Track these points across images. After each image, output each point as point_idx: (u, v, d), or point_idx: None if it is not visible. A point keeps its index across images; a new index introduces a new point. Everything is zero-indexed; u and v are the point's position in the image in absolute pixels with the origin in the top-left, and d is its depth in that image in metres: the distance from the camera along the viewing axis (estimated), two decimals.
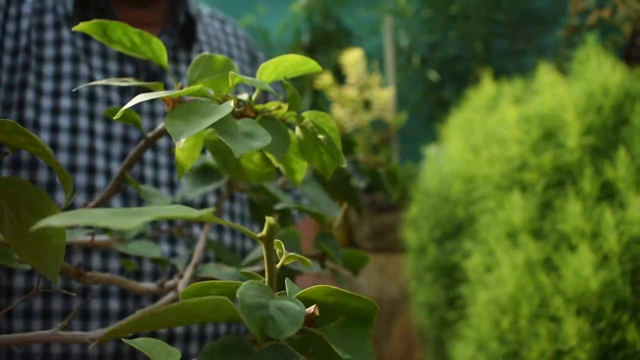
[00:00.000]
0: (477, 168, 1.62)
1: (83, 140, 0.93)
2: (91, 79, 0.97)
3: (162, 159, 0.98)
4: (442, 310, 1.79)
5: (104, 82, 0.52)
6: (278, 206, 0.66)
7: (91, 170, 0.92)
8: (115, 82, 0.52)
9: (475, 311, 1.45)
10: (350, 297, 0.34)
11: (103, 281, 0.58)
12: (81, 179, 0.92)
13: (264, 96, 1.08)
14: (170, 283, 0.60)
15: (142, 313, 0.31)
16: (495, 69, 2.66)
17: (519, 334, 1.27)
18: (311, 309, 0.34)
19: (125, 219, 0.27)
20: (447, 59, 3.44)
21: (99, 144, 0.94)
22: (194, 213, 0.29)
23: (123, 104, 0.97)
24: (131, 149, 0.96)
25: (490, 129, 1.65)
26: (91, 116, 0.95)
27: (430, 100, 3.39)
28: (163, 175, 0.97)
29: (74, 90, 0.76)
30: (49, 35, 0.98)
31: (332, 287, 0.34)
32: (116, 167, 0.94)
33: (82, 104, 0.94)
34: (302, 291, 0.35)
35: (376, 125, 3.10)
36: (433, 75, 3.34)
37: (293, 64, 0.50)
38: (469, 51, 3.33)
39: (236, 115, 0.47)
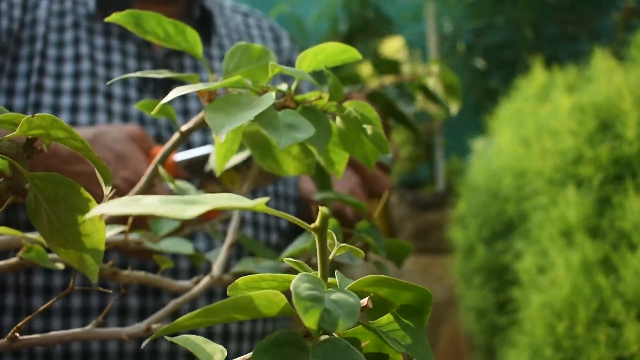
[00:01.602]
0: (529, 162, 1.61)
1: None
2: (109, 77, 1.02)
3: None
4: (492, 315, 1.79)
5: (139, 74, 0.54)
6: (316, 196, 0.67)
7: None
8: (151, 74, 0.53)
9: (528, 316, 1.44)
10: (403, 286, 0.35)
11: (139, 280, 0.59)
12: None
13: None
14: (206, 279, 0.62)
15: (194, 312, 0.32)
16: (546, 55, 2.64)
17: (575, 340, 1.26)
18: (364, 301, 0.35)
19: (182, 208, 0.28)
20: (494, 46, 3.41)
21: None
22: (248, 202, 0.30)
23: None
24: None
25: (542, 120, 1.64)
26: (109, 113, 0.99)
27: (476, 90, 3.36)
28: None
29: (108, 83, 0.80)
30: (68, 35, 1.03)
31: (385, 277, 0.35)
32: None
33: (100, 101, 0.98)
34: (353, 282, 0.36)
35: (419, 118, 3.10)
36: (479, 63, 3.32)
37: (332, 52, 0.51)
38: (517, 37, 3.30)
39: (277, 106, 0.48)
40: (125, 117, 1.00)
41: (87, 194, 0.43)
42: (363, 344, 0.37)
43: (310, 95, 0.51)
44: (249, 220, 1.04)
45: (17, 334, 0.50)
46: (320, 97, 0.50)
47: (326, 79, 0.51)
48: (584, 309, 1.24)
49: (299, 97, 0.50)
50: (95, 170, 0.44)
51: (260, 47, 0.54)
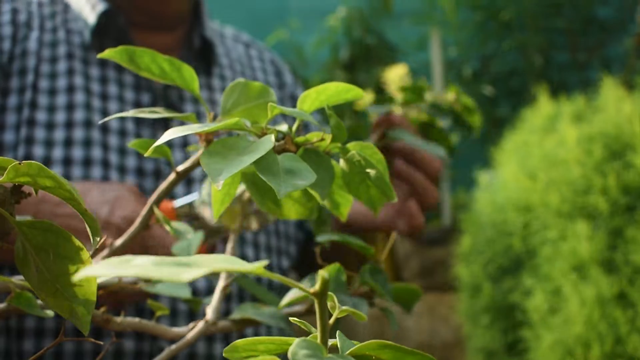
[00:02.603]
0: (535, 194, 1.61)
1: (96, 172, 0.96)
2: (105, 109, 1.01)
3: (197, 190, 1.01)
4: (501, 356, 1.77)
5: (133, 113, 0.54)
6: (320, 239, 0.67)
7: None
8: (147, 115, 0.53)
9: (540, 355, 1.43)
10: (408, 352, 0.35)
11: (133, 327, 0.59)
12: None
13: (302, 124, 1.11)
14: (200, 325, 0.61)
15: None
16: (554, 83, 2.65)
17: None
18: None
19: (176, 271, 0.28)
20: (502, 73, 3.42)
21: (113, 175, 0.97)
22: (246, 266, 0.30)
23: (139, 135, 1.02)
24: (146, 181, 0.99)
25: (548, 150, 1.64)
26: (105, 147, 0.98)
27: (483, 119, 3.36)
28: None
29: (100, 122, 0.79)
30: (62, 66, 1.02)
31: (388, 342, 0.35)
32: None
33: (95, 135, 0.98)
34: (355, 347, 0.35)
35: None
36: (487, 90, 3.32)
37: (336, 91, 0.50)
38: (525, 64, 3.31)
39: (277, 149, 0.48)
40: (122, 151, 0.99)
41: (77, 242, 0.43)
42: None
43: (312, 137, 0.51)
44: (250, 241, 1.03)
45: None
46: (323, 139, 0.50)
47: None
48: (599, 345, 1.23)
49: (300, 139, 0.50)
50: (85, 222, 0.44)
51: (259, 85, 0.54)
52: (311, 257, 1.17)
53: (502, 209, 1.83)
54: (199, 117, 1.05)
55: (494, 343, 1.80)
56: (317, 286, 0.32)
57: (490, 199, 1.93)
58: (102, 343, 0.48)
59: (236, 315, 0.63)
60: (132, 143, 0.60)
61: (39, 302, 0.57)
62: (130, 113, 0.54)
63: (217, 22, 1.26)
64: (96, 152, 0.97)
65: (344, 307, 0.36)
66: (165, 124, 1.03)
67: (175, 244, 0.73)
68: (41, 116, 0.98)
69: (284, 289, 1.06)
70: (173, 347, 0.59)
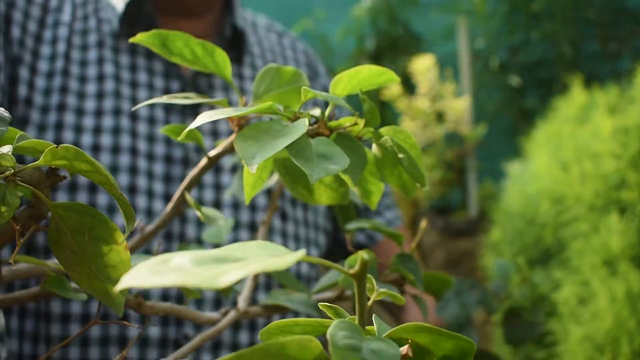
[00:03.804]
0: (568, 187, 1.59)
1: (125, 159, 0.97)
2: (134, 97, 1.03)
3: (225, 179, 1.01)
4: (529, 348, 1.76)
5: (165, 99, 0.54)
6: (350, 226, 0.67)
7: (132, 190, 0.97)
8: (179, 100, 0.54)
9: (568, 349, 1.42)
10: (444, 335, 0.35)
11: (164, 311, 0.59)
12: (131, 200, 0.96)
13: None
14: (232, 313, 0.62)
15: (225, 357, 0.31)
16: (585, 74, 2.61)
17: None
18: (404, 349, 0.35)
19: (214, 275, 0.27)
20: (530, 64, 3.38)
21: (141, 163, 0.98)
22: (288, 259, 0.29)
23: (168, 122, 1.03)
24: (174, 168, 0.99)
25: (581, 142, 1.62)
26: (134, 135, 0.99)
27: (511, 110, 3.33)
28: (226, 196, 1.00)
29: (132, 109, 0.80)
30: (92, 54, 1.04)
31: (425, 324, 0.35)
32: (159, 188, 0.98)
33: (124, 122, 0.99)
34: (392, 330, 0.35)
35: (450, 140, 3.08)
36: (514, 81, 3.29)
37: (369, 75, 0.50)
38: (554, 54, 3.28)
39: (310, 133, 0.48)
40: (151, 139, 1.00)
41: (112, 224, 0.44)
42: None
43: (344, 121, 0.51)
44: (278, 230, 1.04)
45: None
46: (356, 123, 0.50)
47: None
48: (628, 342, 1.22)
49: (333, 123, 0.50)
50: (119, 207, 0.44)
51: (292, 70, 0.54)
52: (340, 247, 1.17)
53: (533, 200, 1.81)
54: (230, 104, 1.05)
55: None
56: (357, 267, 0.32)
57: (520, 190, 1.91)
58: (135, 326, 0.48)
59: (267, 301, 0.64)
60: (163, 129, 0.60)
61: (73, 285, 0.57)
62: (163, 99, 0.54)
63: (250, 11, 1.27)
64: (125, 140, 0.98)
65: (382, 290, 0.36)
66: (194, 112, 1.04)
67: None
68: (71, 101, 0.99)
69: (311, 281, 1.06)
70: (205, 333, 0.59)
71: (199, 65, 0.57)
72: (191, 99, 0.55)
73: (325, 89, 1.22)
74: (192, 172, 0.59)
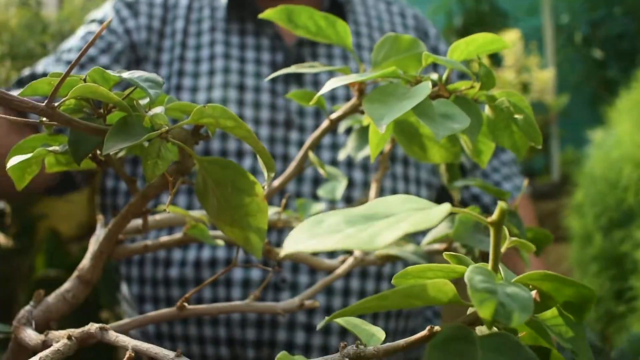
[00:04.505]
0: None
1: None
2: (242, 71, 1.06)
3: (341, 139, 1.01)
4: (608, 303, 1.70)
5: (294, 69, 0.54)
6: (458, 183, 0.65)
7: (240, 154, 1.00)
8: (305, 70, 0.53)
9: None
10: (567, 282, 0.33)
11: (288, 257, 0.60)
12: (247, 163, 0.98)
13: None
14: (350, 260, 0.61)
15: (369, 297, 0.31)
16: None
17: None
18: (533, 294, 0.33)
19: (372, 236, 0.26)
20: (612, 37, 3.23)
21: (248, 126, 1.01)
22: (437, 215, 0.28)
23: (274, 91, 1.04)
24: (277, 130, 1.01)
25: None
26: (240, 104, 1.01)
27: (593, 81, 3.20)
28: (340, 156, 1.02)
29: (267, 79, 0.82)
30: (205, 39, 1.08)
31: (548, 272, 0.33)
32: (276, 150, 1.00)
33: (232, 94, 1.01)
34: (517, 277, 0.34)
35: (535, 109, 2.97)
36: (597, 54, 3.15)
37: (484, 42, 0.48)
38: (636, 28, 3.11)
39: (430, 96, 0.46)
40: (257, 105, 1.03)
41: (252, 177, 0.43)
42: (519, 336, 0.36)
43: (460, 85, 0.49)
44: (389, 190, 1.03)
45: (186, 304, 0.51)
46: (472, 87, 0.48)
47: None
48: None
49: (451, 86, 0.48)
50: (259, 159, 0.44)
51: (410, 37, 0.53)
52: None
53: (615, 164, 1.73)
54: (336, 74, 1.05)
55: (602, 290, 1.72)
56: (495, 215, 0.31)
57: (603, 155, 1.83)
58: (270, 270, 0.48)
59: (380, 251, 0.63)
60: (291, 93, 0.60)
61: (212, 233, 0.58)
62: (292, 69, 0.54)
63: None
64: (232, 109, 1.01)
65: (514, 238, 0.35)
66: (298, 80, 1.05)
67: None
68: (187, 82, 1.03)
69: (417, 234, 1.05)
70: (327, 278, 0.59)
71: (322, 36, 0.56)
72: (316, 67, 0.54)
73: (435, 50, 1.20)
74: (315, 134, 0.58)
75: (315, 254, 0.85)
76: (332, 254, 0.93)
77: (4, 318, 0.62)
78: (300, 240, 0.28)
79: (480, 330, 0.35)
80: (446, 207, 0.27)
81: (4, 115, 0.42)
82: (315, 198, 0.96)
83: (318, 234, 0.28)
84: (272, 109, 1.03)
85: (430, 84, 0.43)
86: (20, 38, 1.77)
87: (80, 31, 1.11)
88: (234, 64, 1.05)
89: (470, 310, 0.38)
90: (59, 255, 1.66)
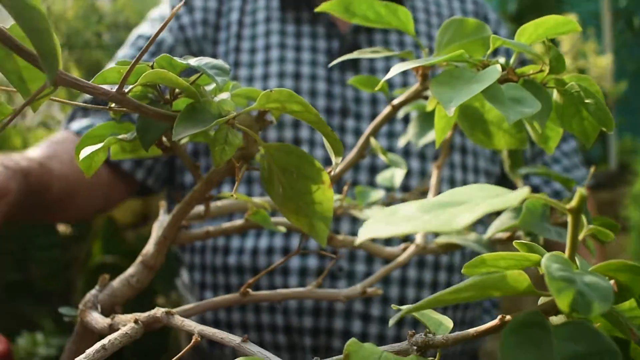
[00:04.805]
0: None
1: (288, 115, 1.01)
2: (298, 59, 1.06)
3: (398, 128, 1.01)
4: None
5: (356, 54, 0.53)
6: (522, 170, 0.64)
7: (296, 141, 1.00)
8: (367, 55, 0.53)
9: None
10: None
11: (351, 244, 0.60)
12: (319, 154, 0.99)
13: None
14: (411, 248, 0.61)
15: (443, 291, 0.30)
16: None
17: None
18: (611, 284, 0.32)
19: (449, 219, 0.26)
20: None
21: None
22: (514, 198, 0.27)
23: (329, 79, 1.04)
24: (333, 119, 1.01)
25: None
26: (296, 92, 1.02)
27: None
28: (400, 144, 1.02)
29: (330, 65, 0.81)
30: (260, 29, 1.09)
31: (626, 262, 0.32)
32: (319, 137, 1.00)
33: (288, 83, 1.01)
34: (594, 266, 0.33)
35: None
36: None
37: (555, 24, 0.47)
38: None
39: (499, 80, 0.45)
40: (313, 94, 1.03)
41: (318, 164, 0.43)
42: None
43: (528, 69, 0.48)
44: (446, 179, 1.02)
45: (249, 289, 0.51)
46: (542, 70, 0.47)
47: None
48: None
49: (519, 70, 0.47)
50: (325, 141, 0.44)
51: (475, 21, 0.52)
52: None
53: None
54: (394, 57, 1.05)
55: None
56: (574, 202, 0.30)
57: None
58: (332, 256, 0.48)
59: (442, 239, 0.62)
60: (353, 79, 0.60)
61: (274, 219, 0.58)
62: (355, 54, 0.54)
63: None
64: None
65: (591, 226, 0.34)
66: (354, 67, 1.04)
67: None
68: (243, 72, 1.03)
69: (477, 226, 1.03)
70: (386, 267, 0.59)
71: (382, 23, 0.55)
72: (379, 52, 0.54)
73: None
74: (376, 120, 0.58)
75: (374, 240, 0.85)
76: (388, 242, 0.92)
77: (63, 303, 0.64)
78: (376, 228, 0.28)
79: (553, 320, 0.34)
80: (525, 190, 0.27)
81: (67, 101, 0.43)
82: (372, 187, 0.96)
83: (394, 221, 0.28)
84: (328, 97, 1.03)
85: (499, 67, 0.42)
86: (77, 29, 1.81)
87: (146, 25, 1.14)
88: (289, 53, 1.06)
89: (541, 301, 0.37)
90: (115, 242, 1.69)
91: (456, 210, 0.27)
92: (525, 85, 0.46)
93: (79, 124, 1.04)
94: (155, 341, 1.53)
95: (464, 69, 0.44)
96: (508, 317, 0.35)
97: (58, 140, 1.01)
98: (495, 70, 0.42)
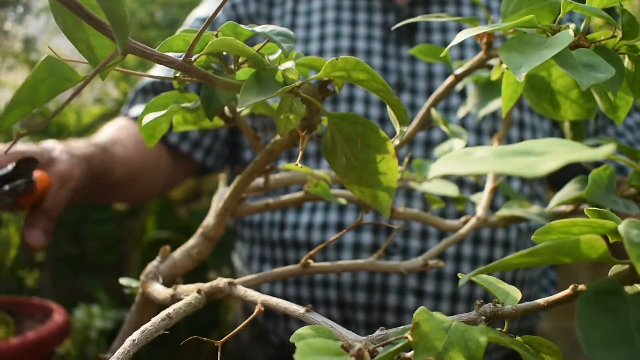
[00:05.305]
0: None
1: (342, 91, 1.00)
2: (353, 34, 1.05)
3: (454, 102, 1.00)
4: None
5: (423, 18, 0.53)
6: (588, 142, 0.62)
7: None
8: (431, 18, 0.52)
9: None
10: None
11: (411, 217, 0.59)
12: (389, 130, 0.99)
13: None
14: (473, 221, 0.60)
15: (515, 254, 0.30)
16: None
17: None
18: None
19: (529, 164, 0.25)
20: None
21: (359, 92, 1.01)
22: (593, 153, 0.27)
23: (385, 53, 1.03)
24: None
25: None
26: None
27: None
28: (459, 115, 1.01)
29: (394, 27, 0.81)
30: (316, 4, 1.08)
31: None
32: (374, 112, 0.99)
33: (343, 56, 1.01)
34: None
35: None
36: None
37: None
38: None
39: (570, 46, 0.44)
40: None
41: (383, 134, 0.43)
42: None
43: (599, 34, 0.46)
44: None
45: (311, 260, 0.51)
46: (614, 36, 0.45)
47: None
48: None
49: (590, 36, 0.46)
50: (390, 111, 0.44)
51: None
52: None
53: None
54: (450, 31, 1.04)
55: None
56: None
57: None
58: (396, 227, 0.48)
59: (504, 212, 0.61)
60: (414, 49, 0.59)
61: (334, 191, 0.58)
62: (419, 18, 0.53)
63: None
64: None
65: None
66: (410, 40, 1.03)
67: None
68: (298, 48, 1.04)
69: (531, 198, 1.02)
70: (447, 240, 0.58)
71: None
72: (443, 17, 0.53)
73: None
74: (437, 90, 0.57)
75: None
76: (444, 217, 0.91)
77: (117, 277, 0.65)
78: (449, 166, 0.27)
79: (627, 290, 0.33)
80: (611, 147, 0.26)
81: (135, 72, 0.43)
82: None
83: (468, 161, 0.28)
84: (383, 71, 1.02)
85: (571, 32, 0.41)
86: (131, 9, 1.83)
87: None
88: (345, 28, 1.05)
89: (615, 270, 0.36)
90: (168, 218, 1.72)
91: (536, 158, 0.26)
92: (596, 51, 0.45)
93: (139, 109, 1.06)
94: (207, 316, 1.56)
95: (533, 34, 0.43)
96: (581, 286, 0.35)
97: (121, 125, 1.03)
98: (567, 35, 0.41)
